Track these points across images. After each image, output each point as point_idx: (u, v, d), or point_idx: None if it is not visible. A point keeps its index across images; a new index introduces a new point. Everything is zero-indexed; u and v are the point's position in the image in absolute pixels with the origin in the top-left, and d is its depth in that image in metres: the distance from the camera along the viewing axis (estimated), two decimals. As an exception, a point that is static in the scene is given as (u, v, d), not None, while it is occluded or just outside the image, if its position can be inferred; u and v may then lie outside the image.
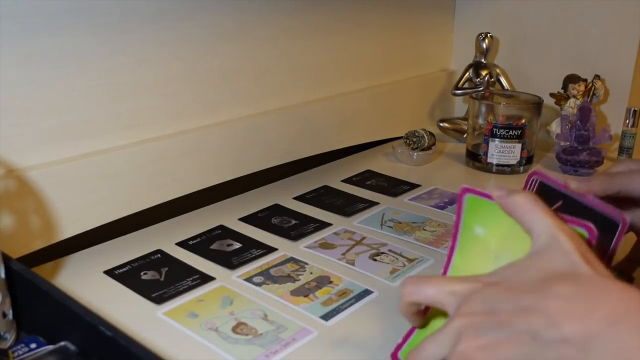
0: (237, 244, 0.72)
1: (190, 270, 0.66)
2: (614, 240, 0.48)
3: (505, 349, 0.37)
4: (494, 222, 0.47)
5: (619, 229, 0.47)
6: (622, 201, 0.54)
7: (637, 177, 0.53)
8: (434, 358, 0.40)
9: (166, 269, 0.66)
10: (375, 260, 0.69)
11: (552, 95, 1.04)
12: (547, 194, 0.52)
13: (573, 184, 0.52)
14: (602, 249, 0.43)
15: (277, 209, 0.82)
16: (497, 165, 0.97)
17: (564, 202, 0.50)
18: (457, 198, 0.49)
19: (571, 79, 1.01)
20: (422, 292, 0.42)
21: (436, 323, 0.48)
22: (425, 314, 0.48)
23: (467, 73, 1.11)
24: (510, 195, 0.44)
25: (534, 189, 0.55)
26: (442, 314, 0.46)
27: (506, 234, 0.47)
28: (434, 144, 1.02)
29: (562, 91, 1.03)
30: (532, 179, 0.56)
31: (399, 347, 0.49)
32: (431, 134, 1.01)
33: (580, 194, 0.51)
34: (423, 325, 0.49)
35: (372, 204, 0.84)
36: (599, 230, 0.43)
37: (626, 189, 0.53)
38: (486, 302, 0.39)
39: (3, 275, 0.49)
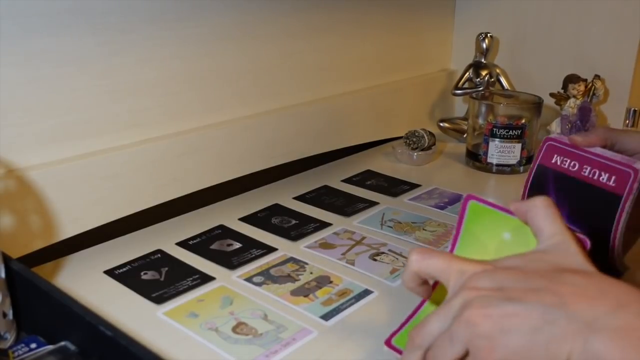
0: (237, 244, 0.72)
1: (190, 270, 0.66)
2: (624, 195, 0.52)
3: (512, 320, 0.36)
4: (494, 229, 0.48)
5: (632, 177, 0.52)
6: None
7: (633, 134, 0.59)
8: (439, 332, 0.39)
9: (166, 269, 0.66)
10: (375, 260, 0.69)
11: (552, 95, 1.04)
12: (556, 175, 0.58)
13: (578, 139, 0.58)
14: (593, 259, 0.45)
15: (277, 209, 0.82)
16: (497, 165, 0.97)
17: (568, 182, 0.55)
18: (462, 205, 0.50)
19: (571, 79, 1.01)
20: (431, 262, 0.42)
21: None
22: (433, 290, 0.48)
23: (467, 73, 1.11)
24: (528, 201, 0.45)
25: (543, 151, 0.61)
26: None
27: (505, 242, 0.48)
28: (434, 144, 1.02)
29: (562, 91, 1.03)
30: (545, 144, 0.61)
31: (394, 334, 0.49)
32: (431, 134, 1.01)
33: (588, 150, 0.56)
34: (431, 297, 0.48)
35: (372, 204, 0.84)
36: (601, 206, 0.48)
37: (622, 143, 0.59)
38: (496, 281, 0.39)
39: (3, 275, 0.49)
